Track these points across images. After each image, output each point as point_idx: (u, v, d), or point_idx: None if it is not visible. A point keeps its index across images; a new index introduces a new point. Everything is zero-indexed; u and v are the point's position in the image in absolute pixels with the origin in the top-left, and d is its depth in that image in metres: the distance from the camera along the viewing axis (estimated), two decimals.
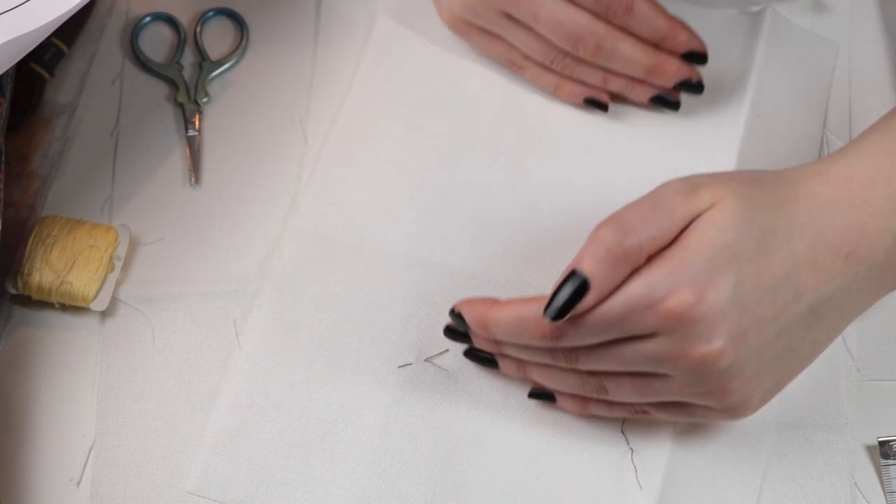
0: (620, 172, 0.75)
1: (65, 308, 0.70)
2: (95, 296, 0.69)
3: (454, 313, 0.64)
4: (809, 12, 0.81)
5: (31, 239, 0.70)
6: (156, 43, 0.80)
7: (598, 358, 0.61)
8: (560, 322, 0.59)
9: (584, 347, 0.61)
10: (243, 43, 0.79)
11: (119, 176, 0.75)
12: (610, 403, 0.64)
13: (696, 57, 0.74)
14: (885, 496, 0.66)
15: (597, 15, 0.73)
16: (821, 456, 0.67)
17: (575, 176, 0.75)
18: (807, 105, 0.78)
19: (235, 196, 0.74)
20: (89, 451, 0.67)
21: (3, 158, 0.71)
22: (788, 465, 0.67)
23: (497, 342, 0.64)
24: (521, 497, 0.66)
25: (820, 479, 0.66)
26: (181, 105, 0.77)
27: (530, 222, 0.73)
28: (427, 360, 0.69)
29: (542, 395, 0.66)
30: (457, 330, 0.65)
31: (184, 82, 0.78)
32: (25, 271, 0.69)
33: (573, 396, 0.65)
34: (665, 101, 0.75)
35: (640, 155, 0.76)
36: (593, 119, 0.77)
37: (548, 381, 0.65)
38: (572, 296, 0.58)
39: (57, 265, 0.69)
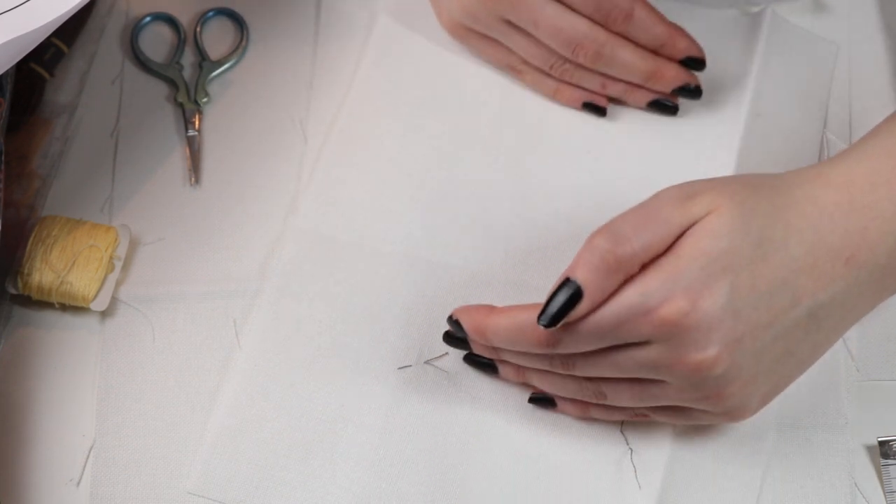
0: (620, 172, 0.75)
1: (65, 308, 0.70)
2: (95, 296, 0.69)
3: (452, 320, 0.65)
4: (809, 12, 0.81)
5: (31, 239, 0.70)
6: (156, 43, 0.80)
7: (595, 365, 0.61)
8: (555, 329, 0.59)
9: (580, 354, 0.61)
10: (243, 43, 0.79)
11: (119, 176, 0.75)
12: (609, 407, 0.65)
13: (695, 63, 0.74)
14: (885, 496, 0.66)
15: (596, 22, 0.73)
16: (821, 456, 0.67)
17: (575, 176, 0.75)
18: (807, 105, 0.78)
19: (235, 196, 0.74)
20: (89, 451, 0.67)
21: (3, 158, 0.71)
22: (788, 465, 0.67)
23: (496, 348, 0.65)
24: (521, 497, 0.66)
25: (820, 479, 0.66)
26: (181, 105, 0.77)
27: (530, 222, 0.73)
28: (427, 362, 0.69)
29: (542, 399, 0.66)
30: (455, 336, 0.66)
31: (184, 82, 0.78)
32: (25, 271, 0.69)
33: (573, 401, 0.65)
34: (663, 106, 0.76)
35: (639, 155, 0.76)
36: (593, 119, 0.77)
37: (547, 387, 0.65)
38: (566, 303, 0.58)
39: (57, 265, 0.69)
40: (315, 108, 0.77)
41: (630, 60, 0.74)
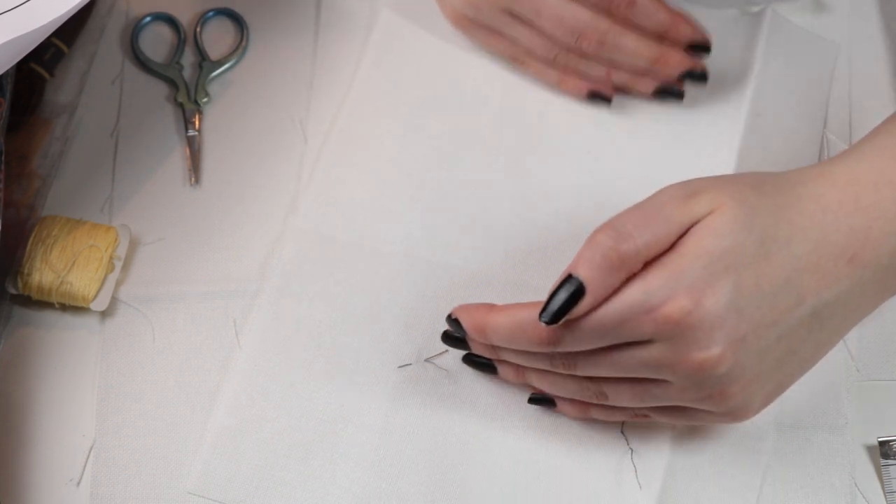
0: (620, 172, 0.75)
1: (65, 308, 0.70)
2: (95, 296, 0.69)
3: (451, 319, 0.64)
4: (809, 12, 0.81)
5: (31, 239, 0.70)
6: (156, 43, 0.80)
7: (596, 364, 0.60)
8: (556, 327, 0.59)
9: (581, 353, 0.60)
10: (243, 43, 0.79)
11: (119, 176, 0.75)
12: (610, 408, 0.64)
13: (700, 48, 0.74)
14: (885, 496, 0.66)
15: (599, 9, 0.73)
16: (821, 456, 0.67)
17: (575, 176, 0.75)
18: (807, 105, 0.78)
19: (235, 196, 0.74)
20: (89, 451, 0.67)
21: (3, 158, 0.71)
22: (788, 465, 0.67)
23: (495, 348, 0.64)
24: (521, 497, 0.66)
25: (820, 479, 0.66)
26: (181, 105, 0.77)
27: (530, 222, 0.73)
28: (427, 360, 0.69)
29: (541, 400, 0.66)
30: (454, 336, 0.65)
31: (184, 82, 0.78)
32: (25, 271, 0.69)
33: (572, 401, 0.65)
34: (669, 93, 0.75)
35: (640, 154, 0.76)
36: (594, 119, 0.77)
37: (546, 387, 0.65)
38: (568, 300, 0.58)
39: (57, 265, 0.69)
40: (315, 108, 0.77)
41: (634, 47, 0.73)
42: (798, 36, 0.80)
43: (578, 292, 0.57)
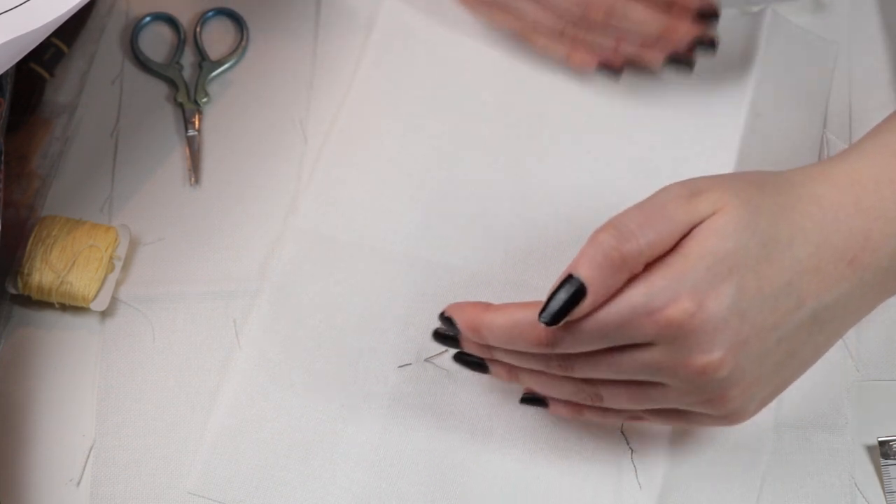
0: (620, 172, 0.75)
1: (65, 308, 0.70)
2: (95, 296, 0.69)
3: (444, 317, 0.63)
4: (809, 12, 0.81)
5: (31, 239, 0.70)
6: (156, 43, 0.80)
7: (594, 366, 0.59)
8: (555, 328, 0.58)
9: (578, 355, 0.59)
10: (243, 43, 0.79)
11: (119, 176, 0.75)
12: (604, 410, 0.63)
13: (708, 16, 0.73)
14: (885, 496, 0.66)
15: None
16: (821, 456, 0.67)
17: (575, 176, 0.75)
18: (807, 105, 0.78)
19: (235, 196, 0.74)
20: (89, 451, 0.67)
21: (3, 158, 0.71)
22: (788, 465, 0.67)
23: (488, 347, 0.63)
24: (521, 497, 0.66)
25: (820, 479, 0.66)
26: (181, 105, 0.77)
27: (530, 222, 0.73)
28: (427, 360, 0.69)
29: (533, 400, 0.65)
30: (446, 334, 0.64)
31: (184, 82, 0.78)
32: (25, 271, 0.69)
33: (566, 402, 0.64)
34: (679, 62, 0.74)
35: (640, 154, 0.76)
36: (593, 119, 0.77)
37: (540, 388, 0.64)
38: (568, 300, 0.57)
39: (57, 265, 0.69)
40: (315, 108, 0.77)
41: (642, 17, 0.73)
42: (798, 36, 0.80)
43: (579, 292, 0.56)
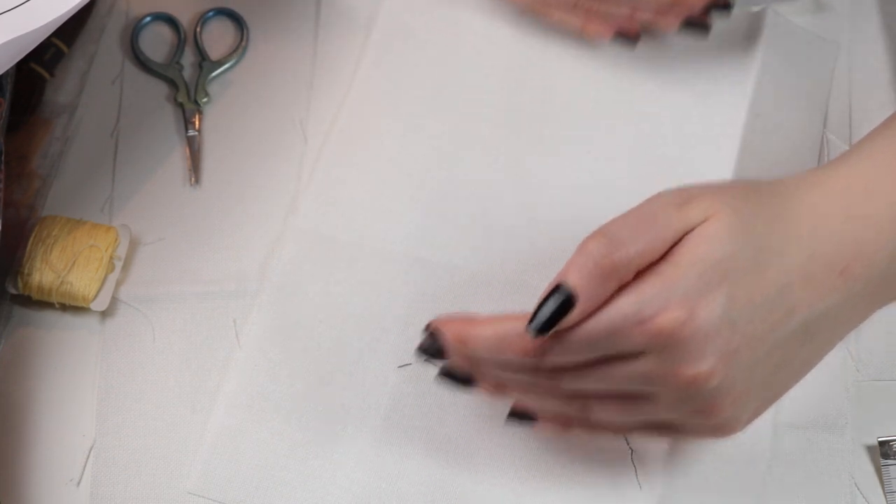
0: (620, 172, 0.75)
1: (65, 308, 0.70)
2: (95, 296, 0.69)
3: (429, 331, 0.61)
4: (809, 12, 0.81)
5: (31, 239, 0.70)
6: (156, 43, 0.80)
7: (583, 377, 0.58)
8: (543, 338, 0.57)
9: (567, 367, 0.58)
10: (243, 43, 0.79)
11: (119, 176, 0.75)
12: (593, 425, 0.62)
13: None
14: (885, 496, 0.66)
15: None
16: (821, 456, 0.67)
17: (575, 176, 0.75)
18: (807, 105, 0.78)
19: (235, 196, 0.74)
20: (89, 451, 0.67)
21: (3, 158, 0.71)
22: (788, 465, 0.67)
23: (475, 361, 0.61)
24: (521, 497, 0.66)
25: (820, 479, 0.66)
26: (181, 105, 0.77)
27: (530, 222, 0.73)
28: (426, 360, 0.69)
29: (519, 417, 0.63)
30: (430, 348, 0.61)
31: (184, 82, 0.78)
32: (25, 271, 0.69)
33: (554, 419, 0.63)
34: (695, 25, 0.74)
35: (640, 154, 0.76)
36: (593, 118, 0.77)
37: (528, 401, 0.62)
38: (557, 310, 0.55)
39: (57, 265, 0.69)
40: (315, 108, 0.77)
41: None
42: (798, 36, 0.80)
43: (569, 301, 0.55)
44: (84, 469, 0.66)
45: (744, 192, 0.58)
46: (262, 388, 0.68)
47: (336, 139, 0.76)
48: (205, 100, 0.77)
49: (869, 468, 0.67)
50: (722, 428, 0.59)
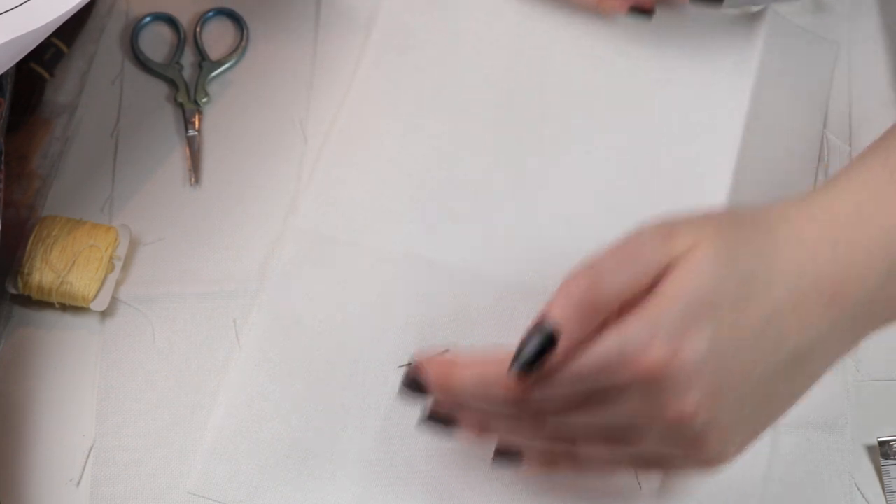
0: (620, 173, 0.75)
1: (65, 308, 0.70)
2: (95, 296, 0.69)
3: (410, 378, 0.59)
4: (809, 12, 0.81)
5: (31, 239, 0.70)
6: (156, 43, 0.80)
7: (567, 418, 0.57)
8: (526, 381, 0.55)
9: (552, 408, 0.57)
10: (243, 43, 0.79)
11: (119, 176, 0.75)
12: (580, 462, 0.60)
13: None
14: (885, 496, 0.66)
15: None
16: (821, 456, 0.67)
17: (575, 176, 0.75)
18: (807, 105, 0.78)
19: (235, 196, 0.74)
20: (89, 451, 0.67)
21: (3, 158, 0.71)
22: (788, 465, 0.67)
23: (458, 403, 0.59)
24: (521, 497, 0.66)
25: (820, 479, 0.66)
26: (181, 105, 0.77)
27: (530, 222, 0.73)
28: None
29: (505, 457, 0.62)
30: (412, 384, 0.59)
31: (184, 82, 0.78)
32: (25, 271, 0.69)
33: (540, 458, 0.61)
34: None
35: (639, 155, 0.76)
36: (593, 119, 0.77)
37: (514, 441, 0.61)
38: (540, 347, 0.54)
39: (57, 265, 0.69)
40: (315, 108, 0.77)
41: None
42: (798, 36, 0.80)
43: (551, 339, 0.54)
44: (84, 469, 0.66)
45: (729, 221, 0.57)
46: (262, 388, 0.68)
47: (336, 139, 0.76)
48: (205, 100, 0.77)
49: (869, 468, 0.67)
50: (710, 462, 0.57)
